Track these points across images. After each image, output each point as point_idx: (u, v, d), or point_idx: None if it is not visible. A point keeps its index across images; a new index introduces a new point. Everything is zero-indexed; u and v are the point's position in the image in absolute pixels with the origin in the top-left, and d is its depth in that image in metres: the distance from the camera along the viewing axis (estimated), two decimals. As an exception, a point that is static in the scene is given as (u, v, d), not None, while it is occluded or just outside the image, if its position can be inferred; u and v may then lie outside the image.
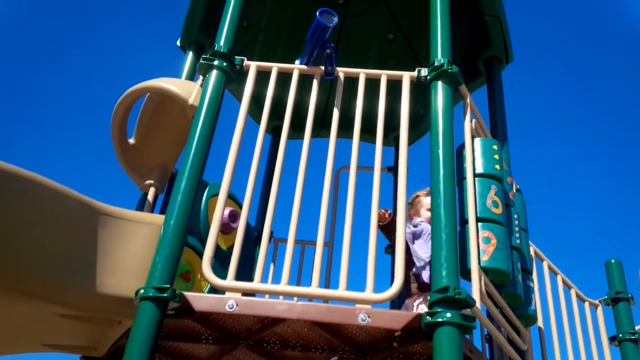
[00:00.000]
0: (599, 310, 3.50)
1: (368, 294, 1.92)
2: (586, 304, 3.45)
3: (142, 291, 1.88)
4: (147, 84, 2.63)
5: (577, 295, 3.40)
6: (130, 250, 2.12)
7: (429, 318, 1.82)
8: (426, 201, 2.95)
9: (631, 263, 3.91)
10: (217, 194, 2.14)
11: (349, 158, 2.24)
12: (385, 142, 3.99)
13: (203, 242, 2.15)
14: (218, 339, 2.17)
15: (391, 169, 3.98)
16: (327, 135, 2.32)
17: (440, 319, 1.79)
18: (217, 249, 2.68)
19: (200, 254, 2.51)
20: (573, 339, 3.14)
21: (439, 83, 2.31)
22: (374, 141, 2.27)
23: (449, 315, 1.79)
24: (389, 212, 2.97)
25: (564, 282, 3.32)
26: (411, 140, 4.18)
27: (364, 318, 1.87)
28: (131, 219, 2.19)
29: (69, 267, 1.96)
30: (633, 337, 3.34)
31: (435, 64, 2.35)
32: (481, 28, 3.33)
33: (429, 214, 2.77)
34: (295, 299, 2.42)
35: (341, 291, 1.94)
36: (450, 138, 2.20)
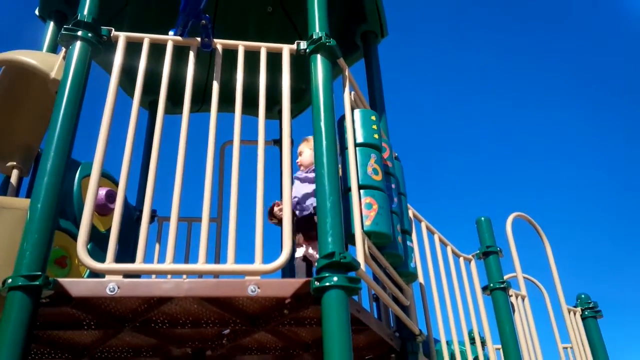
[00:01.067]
0: (472, 264, 3.83)
1: (257, 265, 1.94)
2: (461, 259, 3.75)
3: (10, 280, 1.74)
4: (1, 57, 2.37)
5: (453, 252, 3.67)
6: (-6, 238, 1.93)
7: (317, 283, 1.89)
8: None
9: (499, 218, 4.30)
10: (90, 174, 2.00)
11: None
12: (270, 116, 4.02)
13: (78, 225, 2.01)
14: (101, 324, 2.08)
15: (277, 142, 3.98)
16: (210, 110, 2.26)
17: (327, 283, 1.87)
18: (96, 232, 2.54)
19: (76, 238, 2.36)
20: (450, 291, 3.42)
21: (318, 56, 2.36)
22: (257, 114, 2.26)
23: (335, 279, 1.87)
24: (279, 207, 3.01)
25: (440, 240, 3.57)
26: (295, 113, 4.23)
27: (254, 289, 1.90)
28: (-7, 206, 1.99)
29: None
30: (502, 286, 3.71)
31: (314, 37, 2.38)
32: (357, 3, 3.41)
33: None
34: (185, 276, 2.37)
35: (229, 265, 1.94)
36: (330, 110, 2.26)
